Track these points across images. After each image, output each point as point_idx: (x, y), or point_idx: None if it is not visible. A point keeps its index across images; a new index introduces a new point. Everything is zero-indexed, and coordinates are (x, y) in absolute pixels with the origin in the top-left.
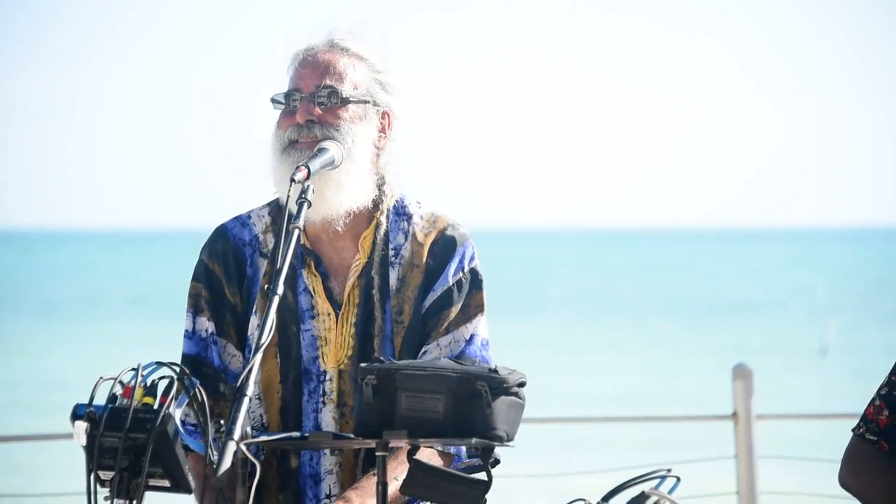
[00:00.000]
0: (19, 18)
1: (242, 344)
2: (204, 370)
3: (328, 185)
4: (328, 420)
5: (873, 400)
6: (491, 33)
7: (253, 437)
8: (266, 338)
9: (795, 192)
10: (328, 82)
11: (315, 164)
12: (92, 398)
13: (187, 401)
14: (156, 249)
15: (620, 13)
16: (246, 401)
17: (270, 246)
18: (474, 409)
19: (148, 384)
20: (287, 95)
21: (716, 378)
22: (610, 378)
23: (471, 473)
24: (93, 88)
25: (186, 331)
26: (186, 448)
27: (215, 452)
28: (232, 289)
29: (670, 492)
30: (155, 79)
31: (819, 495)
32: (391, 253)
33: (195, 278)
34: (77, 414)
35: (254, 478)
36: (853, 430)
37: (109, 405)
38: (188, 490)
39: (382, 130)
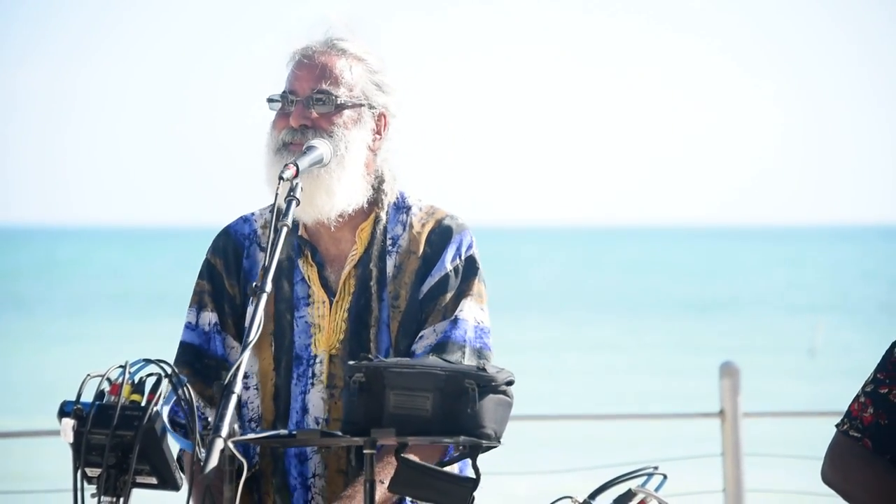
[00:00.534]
0: (18, 15)
1: (240, 335)
2: (206, 360)
3: (318, 190)
4: (316, 400)
5: (858, 396)
6: (491, 30)
7: (243, 433)
8: (254, 336)
9: (796, 190)
10: (324, 87)
11: (304, 162)
12: (79, 395)
13: (174, 398)
14: (153, 246)
15: (622, 11)
16: (234, 398)
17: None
18: (462, 407)
19: (136, 381)
20: (283, 96)
21: (703, 376)
22: (597, 376)
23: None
24: (91, 85)
25: (188, 323)
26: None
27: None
28: (231, 281)
29: (657, 489)
30: (153, 76)
31: (806, 493)
32: (389, 243)
33: (200, 276)
34: (64, 411)
35: (241, 476)
36: (837, 426)
37: (97, 402)
38: (175, 487)
39: (378, 132)
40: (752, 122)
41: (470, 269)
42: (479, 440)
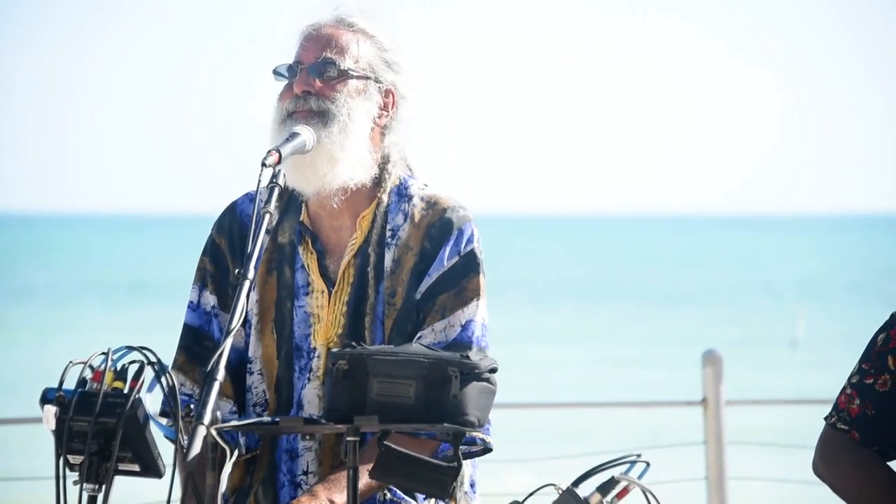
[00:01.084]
0: (19, 4)
1: (242, 318)
2: (205, 343)
3: (321, 157)
4: (311, 396)
5: (844, 388)
6: (489, 19)
7: (226, 420)
8: (236, 324)
9: (795, 180)
10: (328, 55)
11: (286, 149)
12: (61, 382)
13: (157, 386)
14: (154, 234)
15: (623, 1)
16: (216, 385)
17: (274, 223)
18: (445, 394)
19: (118, 369)
20: (289, 68)
21: (686, 365)
22: (580, 364)
23: (465, 457)
24: (92, 74)
25: (191, 302)
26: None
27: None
28: (235, 263)
29: (640, 477)
30: (154, 64)
31: (787, 481)
32: (388, 233)
33: (203, 252)
34: (46, 398)
35: (223, 464)
36: (825, 418)
37: (79, 390)
38: (158, 475)
39: (385, 108)
40: (750, 112)
41: (471, 264)
42: (461, 427)
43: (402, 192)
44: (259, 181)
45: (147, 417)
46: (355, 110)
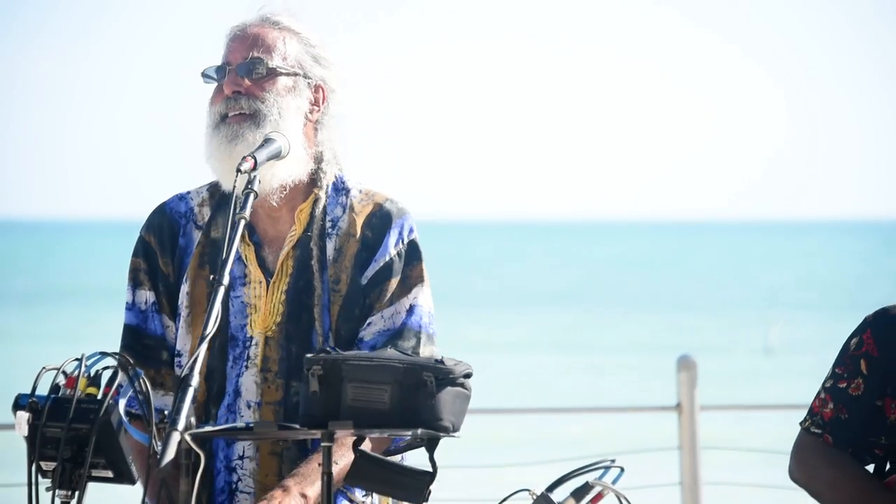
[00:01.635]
0: (20, 9)
1: (174, 314)
2: (145, 340)
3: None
4: (249, 383)
5: (819, 393)
6: (486, 20)
7: (198, 426)
8: (211, 328)
9: (797, 186)
10: (256, 54)
11: (262, 155)
12: (34, 388)
13: (130, 392)
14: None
15: (626, 4)
16: (190, 391)
17: (206, 219)
18: (420, 399)
19: (92, 374)
20: (218, 69)
21: (661, 370)
22: (556, 370)
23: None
24: (91, 78)
25: (127, 303)
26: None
27: (159, 441)
28: (165, 258)
29: (614, 482)
30: (153, 69)
31: (761, 486)
32: (328, 225)
33: (134, 253)
34: (19, 404)
35: (198, 468)
36: (800, 423)
37: (52, 395)
38: (131, 481)
39: (316, 103)
40: (754, 117)
41: (413, 253)
42: (436, 432)
43: (338, 187)
44: (234, 186)
45: (121, 423)
46: (286, 108)
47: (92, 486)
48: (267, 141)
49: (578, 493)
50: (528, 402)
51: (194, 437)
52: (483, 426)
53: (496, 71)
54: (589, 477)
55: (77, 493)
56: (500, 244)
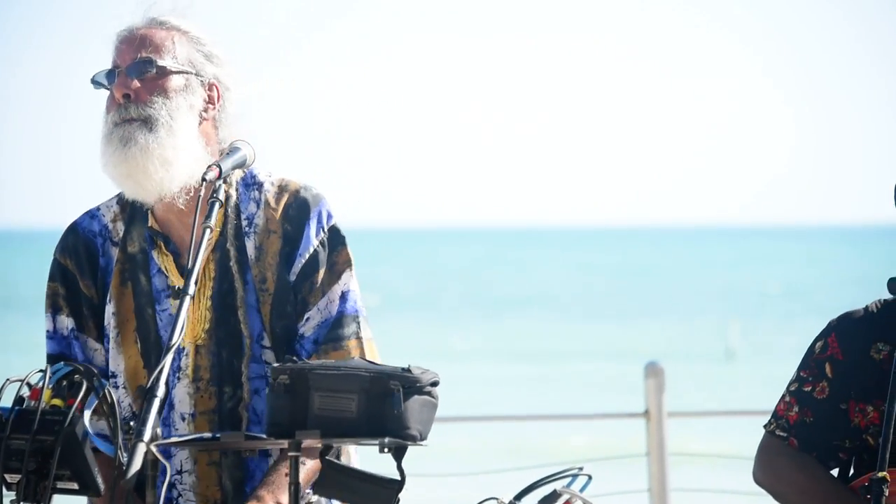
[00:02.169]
0: (12, 17)
1: (102, 336)
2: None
3: (153, 162)
4: (182, 395)
5: (783, 396)
6: (479, 20)
7: (164, 436)
8: (177, 338)
9: (807, 191)
10: (144, 54)
11: (227, 164)
12: None
13: (95, 403)
14: None
15: (625, 8)
16: (156, 402)
17: (121, 234)
18: (387, 408)
19: (56, 386)
20: (108, 74)
21: (628, 377)
22: (524, 377)
23: None
24: (87, 88)
25: (48, 331)
26: (96, 450)
27: (124, 454)
28: (86, 281)
29: (582, 490)
30: None
31: (730, 492)
32: (244, 223)
33: (50, 278)
34: None
35: (164, 479)
36: (765, 426)
37: (16, 407)
38: (97, 492)
39: (210, 101)
40: (755, 126)
41: (336, 238)
42: (404, 441)
43: (249, 182)
44: (199, 196)
45: (86, 435)
46: (177, 109)
47: (57, 499)
48: (233, 149)
49: (546, 501)
50: (495, 410)
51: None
52: (451, 434)
53: (467, 74)
54: (557, 485)
55: None
56: (466, 251)
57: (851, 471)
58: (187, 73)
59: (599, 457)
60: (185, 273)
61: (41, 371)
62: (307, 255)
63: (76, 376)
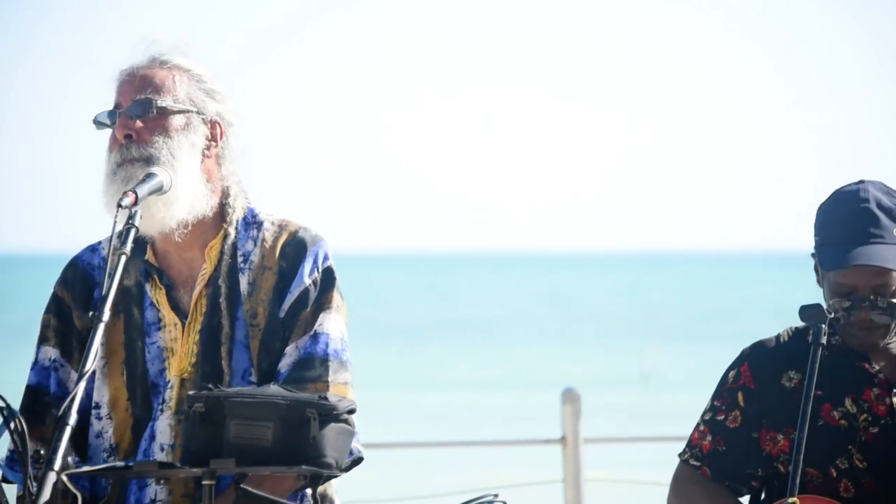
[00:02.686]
0: (5, 32)
1: (95, 362)
2: (43, 398)
3: (155, 201)
4: (163, 427)
5: (698, 425)
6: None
7: (77, 465)
8: (90, 367)
9: (697, 216)
10: (145, 95)
11: (143, 190)
12: None
13: (6, 432)
14: None
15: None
16: (68, 430)
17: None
18: (303, 436)
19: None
20: (109, 115)
21: (545, 402)
22: (441, 403)
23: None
24: (81, 108)
25: (33, 362)
26: (6, 480)
27: (34, 483)
28: (78, 312)
29: None
30: None
31: None
32: (240, 260)
33: (47, 310)
34: None
35: None
36: (679, 455)
37: None
38: None
39: (213, 139)
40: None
41: (328, 280)
42: (320, 469)
43: (249, 221)
44: (115, 221)
45: None
46: (178, 147)
47: None
48: (148, 176)
49: None
50: (412, 437)
51: (73, 476)
52: (366, 462)
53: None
54: None
55: None
56: (381, 276)
57: (763, 497)
58: (188, 111)
59: (516, 483)
60: (101, 300)
61: None
62: (297, 292)
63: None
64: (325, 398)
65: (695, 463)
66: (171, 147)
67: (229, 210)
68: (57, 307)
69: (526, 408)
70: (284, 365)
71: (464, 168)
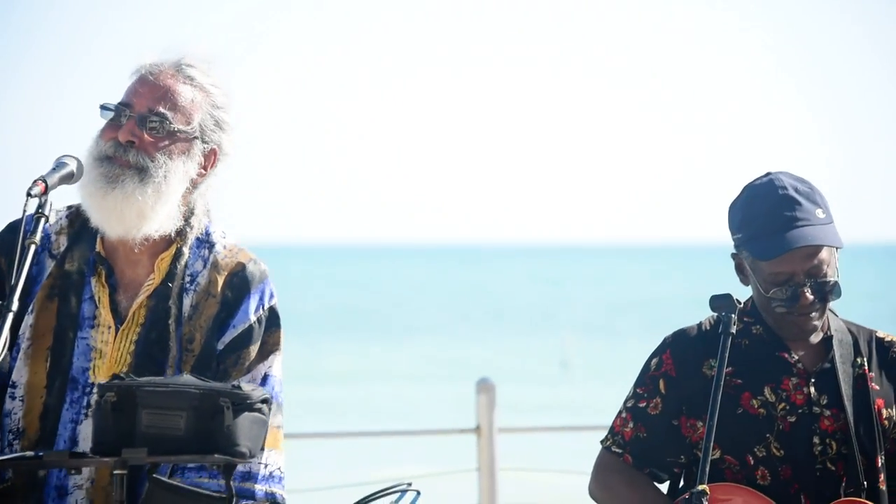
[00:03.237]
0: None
1: (13, 343)
2: None
3: (130, 210)
4: (86, 432)
5: (620, 412)
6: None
7: None
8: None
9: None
10: (161, 109)
11: (53, 179)
12: None
13: None
14: None
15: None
16: None
17: (62, 249)
18: (217, 425)
19: None
20: (118, 108)
21: (462, 394)
22: (355, 392)
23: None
24: (72, 115)
25: None
26: None
27: None
28: (10, 284)
29: None
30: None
31: None
32: (187, 280)
33: None
34: None
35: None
36: (602, 442)
37: None
38: None
39: (204, 167)
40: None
41: (273, 319)
42: (233, 458)
43: (202, 240)
44: (24, 211)
45: None
46: (173, 172)
47: None
48: (59, 164)
49: None
50: (327, 427)
51: None
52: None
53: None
54: (385, 501)
55: None
56: (298, 267)
57: (682, 483)
58: (194, 139)
59: (431, 473)
60: (10, 289)
61: None
62: (241, 328)
63: None
64: (239, 387)
65: (617, 450)
66: (167, 168)
67: (188, 229)
68: None
69: (444, 399)
70: None
71: (384, 158)
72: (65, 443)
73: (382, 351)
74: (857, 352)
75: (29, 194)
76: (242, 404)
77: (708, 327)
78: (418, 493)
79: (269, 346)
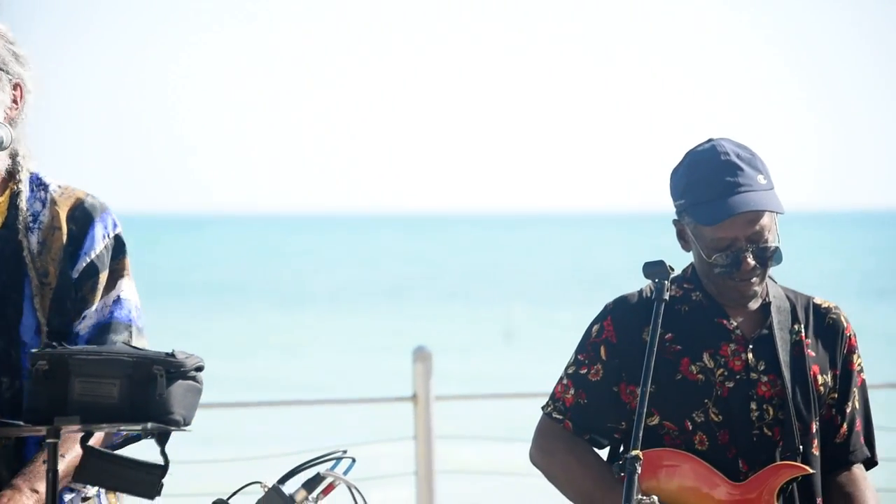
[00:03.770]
0: None
1: None
2: None
3: None
4: None
5: (561, 379)
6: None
7: None
8: None
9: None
10: None
11: None
12: None
13: None
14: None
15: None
16: None
17: None
18: (150, 393)
19: None
20: None
21: (401, 363)
22: (293, 362)
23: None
24: (68, 95)
25: None
26: None
27: None
28: None
29: (346, 472)
30: (133, 85)
31: (496, 474)
32: (29, 219)
33: None
34: None
35: None
36: (542, 407)
37: None
38: None
39: (15, 101)
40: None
41: (119, 247)
42: (167, 426)
43: (36, 183)
44: None
45: None
46: None
47: None
48: None
49: (309, 484)
50: (264, 396)
51: None
52: (215, 420)
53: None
54: (321, 468)
55: None
56: (242, 237)
57: (622, 449)
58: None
59: (368, 441)
60: None
61: None
62: (92, 255)
63: None
64: (173, 355)
65: (557, 416)
66: None
67: (19, 169)
68: None
69: (384, 370)
70: (84, 327)
71: (330, 127)
72: None
73: (321, 321)
74: (795, 318)
75: None
76: (176, 372)
77: (649, 294)
78: (353, 460)
79: (119, 272)
